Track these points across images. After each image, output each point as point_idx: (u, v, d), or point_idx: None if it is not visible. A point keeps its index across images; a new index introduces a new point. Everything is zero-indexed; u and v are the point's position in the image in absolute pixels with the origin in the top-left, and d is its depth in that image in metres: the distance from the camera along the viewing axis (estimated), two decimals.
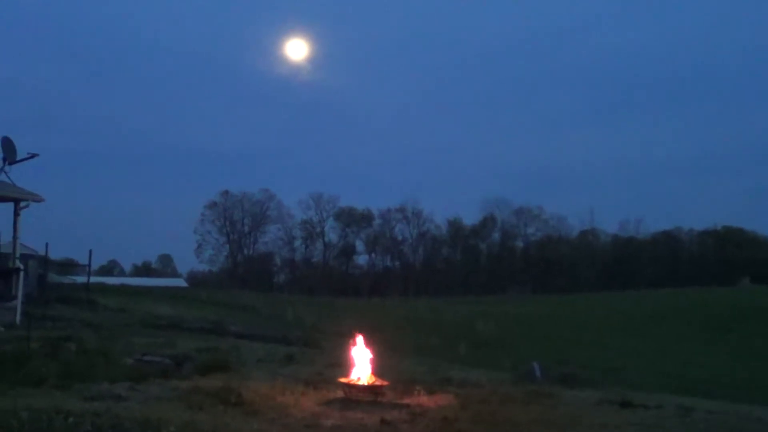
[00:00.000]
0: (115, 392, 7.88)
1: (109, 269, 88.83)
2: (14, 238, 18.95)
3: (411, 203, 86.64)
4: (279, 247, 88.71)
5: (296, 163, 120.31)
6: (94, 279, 32.63)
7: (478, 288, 74.54)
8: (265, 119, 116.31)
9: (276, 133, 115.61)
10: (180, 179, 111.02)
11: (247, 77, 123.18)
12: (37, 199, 19.33)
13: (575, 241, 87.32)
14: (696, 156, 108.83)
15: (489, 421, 7.21)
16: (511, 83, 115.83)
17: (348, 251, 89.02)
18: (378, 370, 8.78)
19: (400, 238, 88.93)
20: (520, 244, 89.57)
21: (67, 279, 36.02)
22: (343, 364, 9.87)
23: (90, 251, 29.16)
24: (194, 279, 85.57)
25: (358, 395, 8.23)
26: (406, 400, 8.29)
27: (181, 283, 73.26)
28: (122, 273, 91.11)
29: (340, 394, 8.39)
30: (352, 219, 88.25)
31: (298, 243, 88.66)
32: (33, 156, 19.94)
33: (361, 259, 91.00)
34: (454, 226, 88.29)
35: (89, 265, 30.50)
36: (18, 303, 16.46)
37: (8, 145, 19.38)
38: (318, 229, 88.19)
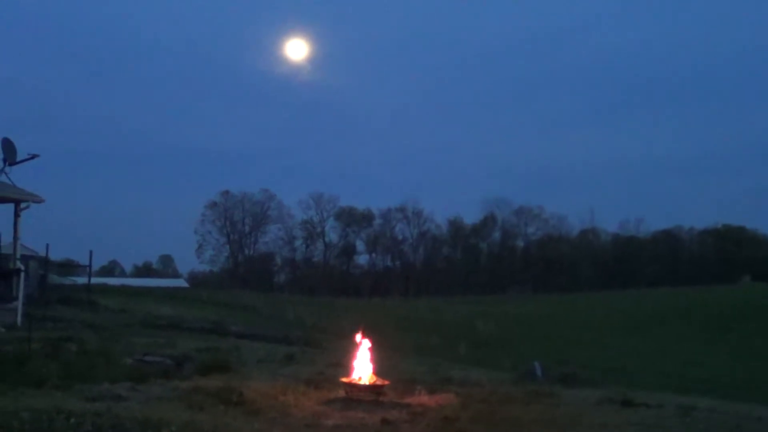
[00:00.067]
0: (116, 392, 7.88)
1: (110, 270, 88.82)
2: (15, 239, 18.95)
3: (411, 203, 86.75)
4: (279, 247, 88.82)
5: (296, 163, 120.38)
6: (94, 280, 32.61)
7: (478, 288, 74.52)
8: (265, 119, 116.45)
9: (276, 133, 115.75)
10: (180, 179, 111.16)
11: (247, 77, 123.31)
12: (38, 200, 19.33)
13: (575, 241, 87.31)
14: (696, 155, 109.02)
15: (489, 421, 7.21)
16: (511, 83, 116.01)
17: (348, 251, 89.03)
18: (379, 369, 8.79)
19: (400, 237, 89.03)
20: (520, 243, 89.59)
21: (68, 280, 36.01)
22: (344, 364, 9.89)
23: (90, 252, 29.16)
24: (195, 279, 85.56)
25: (359, 395, 8.24)
26: (407, 400, 8.30)
27: (181, 283, 73.24)
28: (123, 273, 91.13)
29: (341, 393, 8.40)
30: (352, 219, 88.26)
31: (298, 243, 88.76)
32: (33, 157, 19.95)
33: (362, 259, 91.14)
34: (455, 225, 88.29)
35: (90, 266, 30.50)
36: (19, 304, 16.46)
37: (8, 146, 19.39)
38: (318, 229, 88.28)
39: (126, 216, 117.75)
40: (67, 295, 23.55)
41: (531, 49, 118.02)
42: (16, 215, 18.95)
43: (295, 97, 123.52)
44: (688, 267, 78.42)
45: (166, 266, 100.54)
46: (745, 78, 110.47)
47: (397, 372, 10.12)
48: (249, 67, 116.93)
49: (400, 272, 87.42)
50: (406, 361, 14.07)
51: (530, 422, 7.19)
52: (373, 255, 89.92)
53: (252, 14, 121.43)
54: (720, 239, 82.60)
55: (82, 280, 34.03)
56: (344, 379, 8.65)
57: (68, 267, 41.82)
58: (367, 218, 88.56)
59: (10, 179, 19.28)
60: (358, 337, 8.79)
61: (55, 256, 31.19)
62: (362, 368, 8.57)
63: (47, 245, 20.48)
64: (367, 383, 8.43)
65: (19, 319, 15.84)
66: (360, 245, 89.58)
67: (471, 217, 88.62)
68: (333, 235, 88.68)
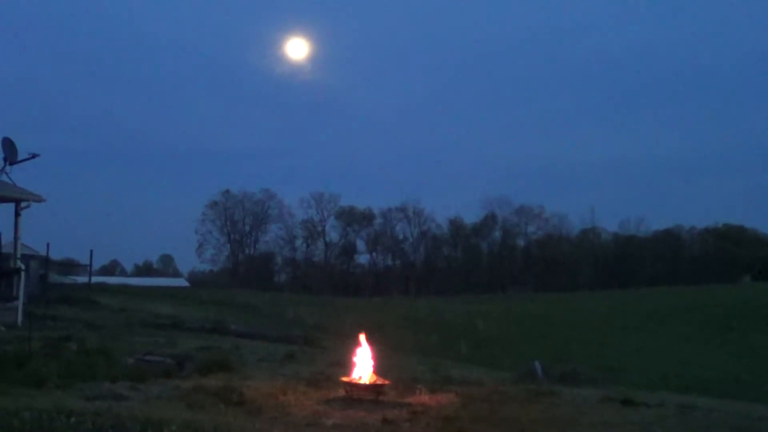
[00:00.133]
0: (117, 392, 7.89)
1: (111, 269, 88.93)
2: (15, 238, 18.92)
3: (412, 202, 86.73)
4: (280, 247, 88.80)
5: (297, 162, 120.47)
6: (95, 279, 32.71)
7: (478, 287, 74.50)
8: (266, 119, 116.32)
9: (276, 132, 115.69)
10: (180, 179, 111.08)
11: (247, 77, 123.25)
12: (38, 200, 19.32)
13: (576, 240, 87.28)
14: (696, 155, 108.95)
15: (490, 420, 7.21)
16: (511, 83, 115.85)
17: (349, 250, 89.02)
18: (379, 369, 8.79)
19: (401, 237, 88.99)
20: (520, 242, 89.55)
21: (69, 279, 36.09)
22: (344, 363, 9.89)
23: (91, 251, 29.31)
24: (195, 279, 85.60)
25: (359, 394, 8.25)
26: (408, 399, 8.30)
27: (182, 282, 73.32)
28: (123, 273, 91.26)
29: (341, 393, 8.40)
30: (353, 218, 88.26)
31: (299, 242, 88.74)
32: (34, 156, 19.92)
33: (362, 259, 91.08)
34: (455, 225, 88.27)
35: (90, 265, 30.61)
36: (19, 303, 16.47)
37: (9, 145, 19.36)
38: (319, 229, 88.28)
39: (126, 215, 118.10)
40: (67, 295, 23.59)
41: (531, 49, 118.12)
42: (17, 214, 18.91)
43: (295, 97, 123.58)
44: (689, 266, 78.41)
45: (167, 266, 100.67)
46: (745, 78, 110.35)
47: (398, 371, 10.13)
48: (249, 67, 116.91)
49: (400, 272, 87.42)
50: (407, 360, 14.10)
51: (530, 421, 7.20)
52: (374, 254, 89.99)
53: (252, 14, 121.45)
54: (720, 239, 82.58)
55: (82, 279, 34.15)
56: (345, 379, 8.66)
57: (69, 266, 41.91)
58: (367, 218, 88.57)
59: (10, 178, 19.26)
60: (363, 338, 8.79)
61: (55, 255, 31.27)
62: (362, 368, 8.58)
63: (48, 244, 20.54)
64: (368, 383, 8.43)
65: (19, 318, 15.86)
66: (360, 245, 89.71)
67: (471, 216, 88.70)
68: (333, 235, 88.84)
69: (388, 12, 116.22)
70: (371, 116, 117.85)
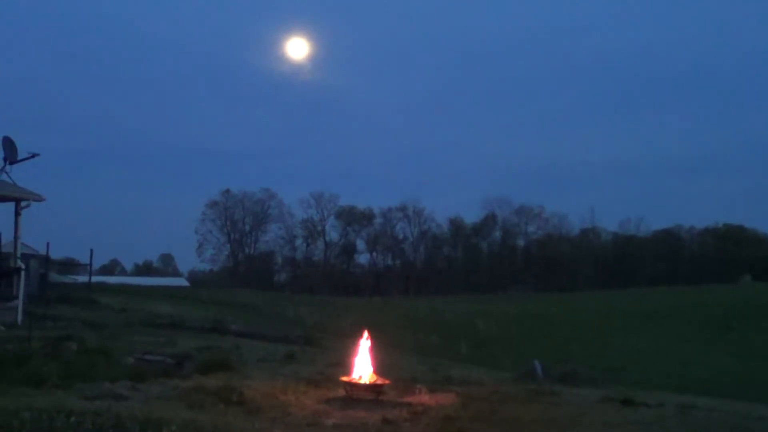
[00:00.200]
0: (117, 391, 7.88)
1: (111, 269, 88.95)
2: (15, 237, 18.92)
3: (412, 202, 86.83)
4: (280, 246, 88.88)
5: (297, 162, 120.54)
6: (95, 278, 32.70)
7: (478, 287, 74.48)
8: (266, 119, 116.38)
9: (276, 132, 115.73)
10: (181, 178, 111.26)
11: (247, 76, 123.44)
12: (38, 199, 19.32)
13: (576, 240, 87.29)
14: (696, 155, 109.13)
15: (490, 420, 7.21)
16: (511, 83, 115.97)
17: (349, 250, 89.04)
18: (379, 368, 8.79)
19: (401, 236, 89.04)
20: (521, 242, 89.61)
21: (69, 278, 36.10)
22: (344, 363, 9.89)
23: (91, 251, 29.33)
24: (195, 278, 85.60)
25: (359, 394, 8.24)
26: (408, 399, 8.30)
27: (182, 282, 73.30)
28: (123, 272, 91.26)
29: (341, 392, 8.40)
30: (353, 218, 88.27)
31: (299, 242, 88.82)
32: (34, 156, 19.93)
33: (362, 258, 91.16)
34: (455, 224, 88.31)
35: (90, 265, 30.61)
36: (19, 303, 16.47)
37: (9, 144, 19.37)
38: (319, 228, 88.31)
39: (126, 215, 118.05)
40: (67, 294, 23.58)
41: (531, 49, 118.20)
42: (17, 214, 18.92)
43: (295, 96, 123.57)
44: (689, 266, 78.42)
45: (167, 265, 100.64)
46: (745, 78, 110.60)
47: (398, 371, 10.13)
48: (249, 66, 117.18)
49: (400, 271, 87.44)
50: (407, 360, 14.10)
51: (530, 421, 7.20)
52: (374, 254, 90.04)
53: (252, 14, 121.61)
54: (720, 239, 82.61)
55: (82, 278, 34.16)
56: (345, 378, 8.66)
57: (69, 266, 41.94)
58: (367, 217, 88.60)
59: (10, 178, 19.26)
60: (363, 338, 8.79)
61: (55, 254, 31.27)
62: (362, 367, 8.58)
63: (48, 244, 20.49)
64: (368, 382, 8.43)
65: (19, 317, 15.86)
66: (360, 244, 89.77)
67: (471, 216, 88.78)
68: (333, 234, 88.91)
69: (389, 12, 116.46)
70: (371, 116, 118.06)
